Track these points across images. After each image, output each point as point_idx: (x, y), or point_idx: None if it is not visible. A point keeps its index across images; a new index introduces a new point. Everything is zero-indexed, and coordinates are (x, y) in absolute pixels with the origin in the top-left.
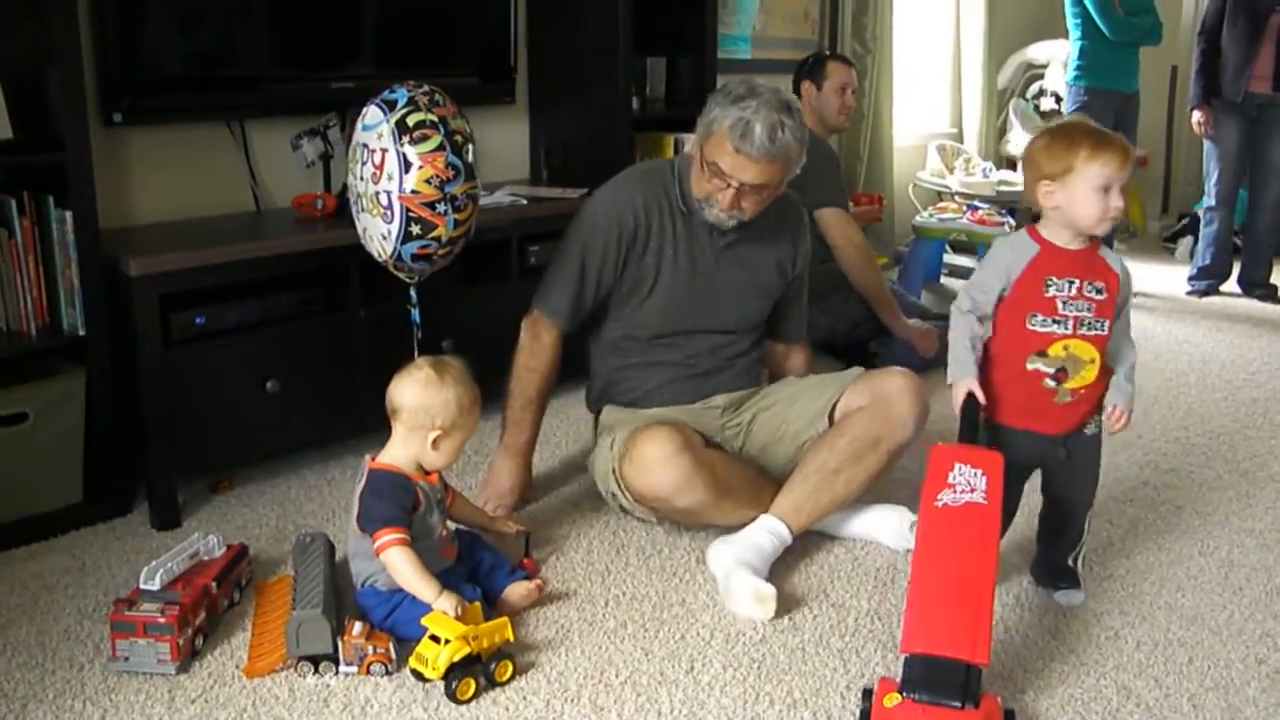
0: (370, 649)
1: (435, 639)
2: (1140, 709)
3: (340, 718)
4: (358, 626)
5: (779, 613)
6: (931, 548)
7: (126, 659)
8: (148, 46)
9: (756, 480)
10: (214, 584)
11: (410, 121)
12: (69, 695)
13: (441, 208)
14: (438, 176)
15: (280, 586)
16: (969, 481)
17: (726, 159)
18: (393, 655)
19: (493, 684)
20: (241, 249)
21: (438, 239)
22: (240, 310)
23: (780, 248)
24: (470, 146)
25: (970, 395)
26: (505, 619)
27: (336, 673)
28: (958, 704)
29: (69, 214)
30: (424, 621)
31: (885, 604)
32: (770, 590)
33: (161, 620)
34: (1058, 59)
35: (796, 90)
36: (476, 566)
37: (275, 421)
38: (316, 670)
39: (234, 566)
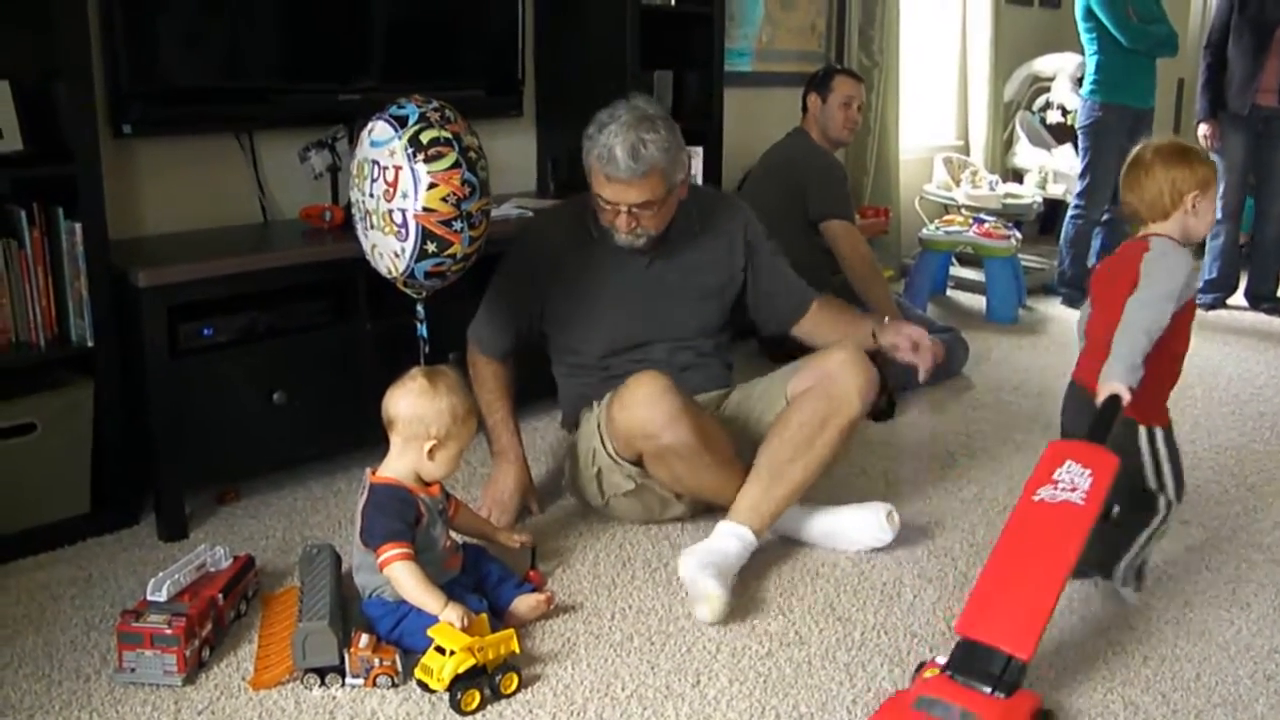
0: (377, 661)
1: (441, 650)
2: None
3: None
4: (364, 639)
5: (784, 626)
6: (1014, 539)
7: (133, 670)
8: (157, 59)
9: (733, 449)
10: (221, 595)
11: (424, 139)
12: (75, 707)
13: (458, 225)
14: (454, 194)
15: (286, 598)
16: (1073, 480)
17: (604, 189)
18: (399, 667)
19: (498, 696)
20: (249, 261)
21: (453, 256)
22: (248, 322)
23: (716, 246)
24: (483, 162)
25: (1116, 399)
26: (511, 631)
27: (343, 685)
28: (987, 690)
29: (78, 225)
30: (430, 633)
31: (891, 618)
32: (719, 594)
33: (168, 632)
34: (1064, 72)
35: (804, 104)
36: (484, 578)
37: (282, 433)
38: (323, 682)
39: (241, 578)
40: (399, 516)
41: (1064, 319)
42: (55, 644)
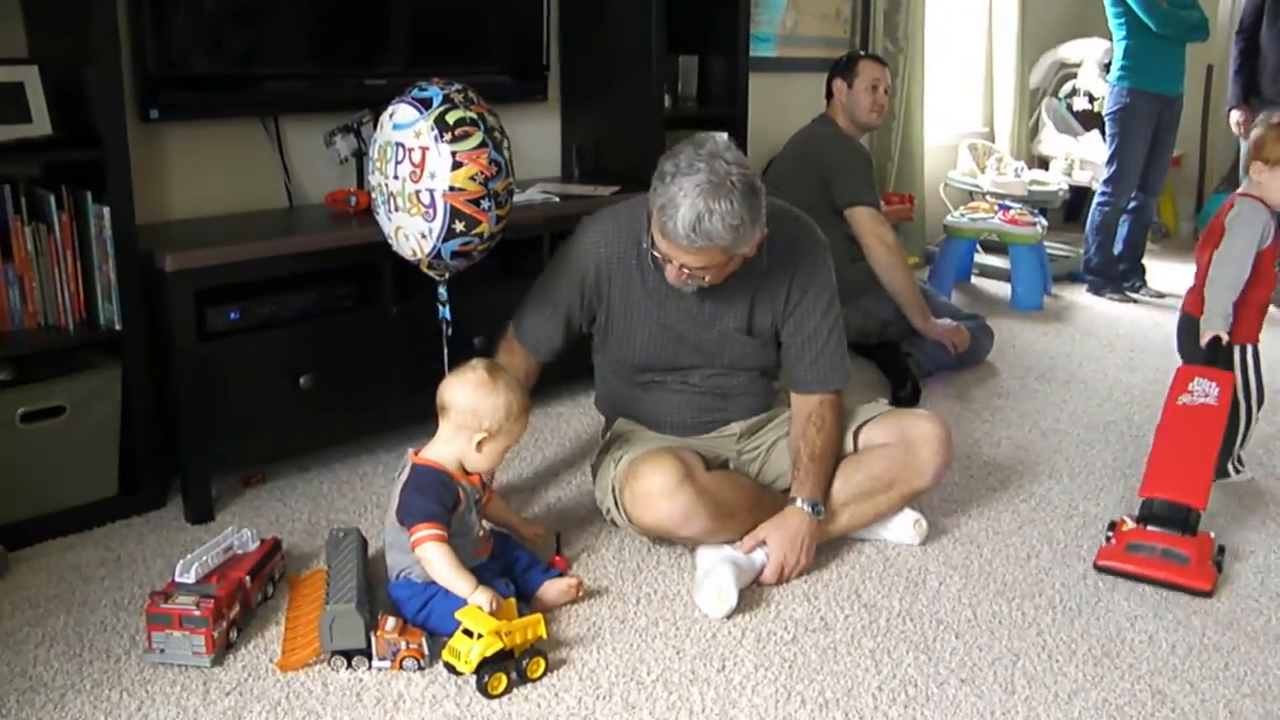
0: (403, 644)
1: (468, 633)
2: (1175, 714)
3: (373, 712)
4: (391, 622)
5: (809, 613)
6: (1170, 428)
7: (162, 651)
8: (184, 45)
9: (759, 499)
10: (248, 578)
11: (450, 119)
12: (106, 686)
13: (485, 204)
14: (482, 173)
15: (313, 581)
16: (1205, 390)
17: (661, 240)
18: (425, 650)
19: (524, 680)
20: (275, 245)
21: (480, 235)
22: (274, 306)
23: (778, 284)
24: (507, 142)
25: (1217, 339)
26: (539, 616)
27: (369, 667)
28: (1179, 533)
29: (106, 209)
30: (458, 615)
31: (917, 605)
32: (733, 594)
33: (197, 613)
34: (1091, 58)
35: (829, 90)
36: (513, 563)
37: (308, 417)
38: (349, 665)
39: (268, 560)
40: (437, 499)
41: (1090, 307)
42: (85, 624)
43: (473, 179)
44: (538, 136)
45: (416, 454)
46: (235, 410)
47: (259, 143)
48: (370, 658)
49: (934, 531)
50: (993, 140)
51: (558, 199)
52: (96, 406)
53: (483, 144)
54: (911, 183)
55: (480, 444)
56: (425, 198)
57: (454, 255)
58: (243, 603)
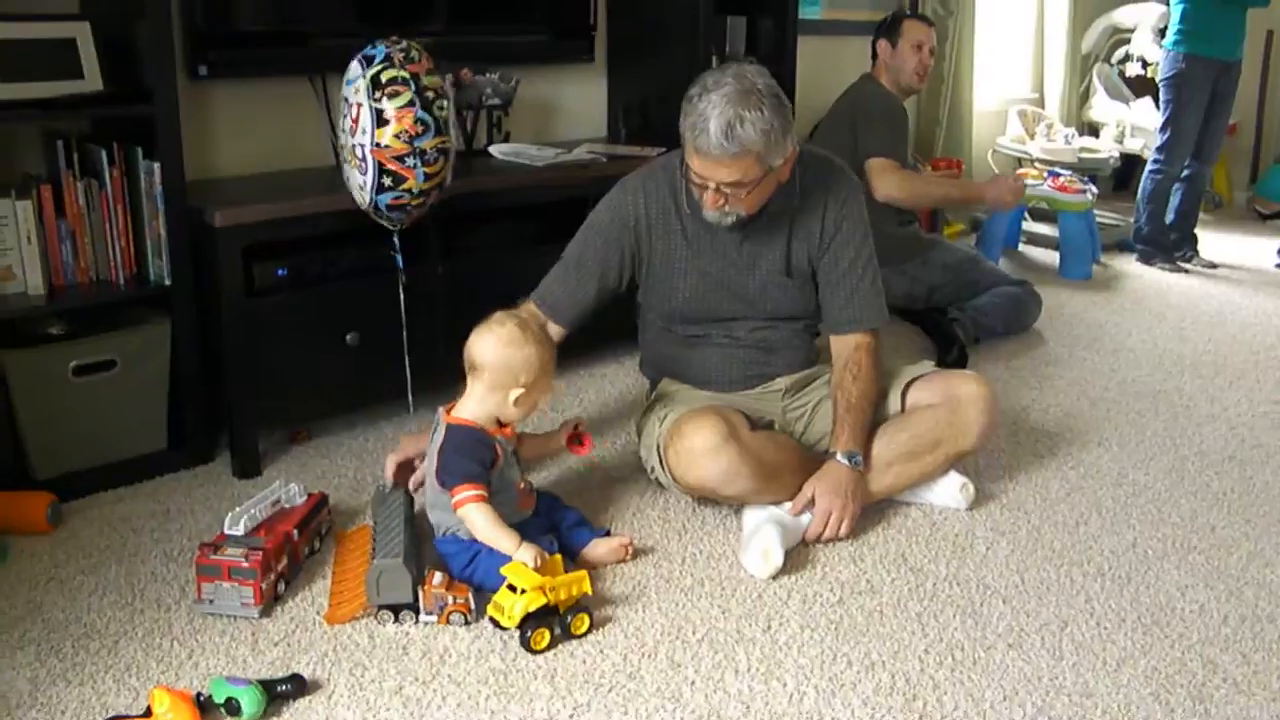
0: (450, 599)
1: (513, 588)
2: (1227, 684)
3: (419, 665)
4: (438, 576)
5: (855, 575)
6: None
7: (211, 601)
8: (233, 2)
9: (804, 461)
10: (295, 531)
11: (384, 78)
12: (158, 634)
13: (411, 161)
14: (407, 132)
15: (360, 536)
16: None
17: (695, 161)
18: (472, 605)
19: (569, 636)
20: (322, 202)
21: (409, 190)
22: (321, 263)
23: (811, 223)
24: (444, 102)
25: None
26: (584, 573)
27: (417, 621)
28: None
29: (156, 165)
30: (503, 570)
31: (964, 570)
32: (779, 554)
33: (245, 565)
34: (1145, 23)
35: (874, 50)
36: (560, 521)
37: (354, 374)
38: (396, 619)
39: (315, 515)
40: (476, 458)
41: (1139, 276)
42: (137, 574)
43: (397, 136)
44: (584, 97)
45: (449, 413)
46: (282, 366)
47: (306, 100)
48: (418, 612)
49: (981, 497)
50: (1042, 106)
51: (605, 159)
52: (146, 361)
53: (410, 103)
54: (960, 148)
55: (518, 399)
56: (359, 152)
57: (389, 208)
58: (290, 556)
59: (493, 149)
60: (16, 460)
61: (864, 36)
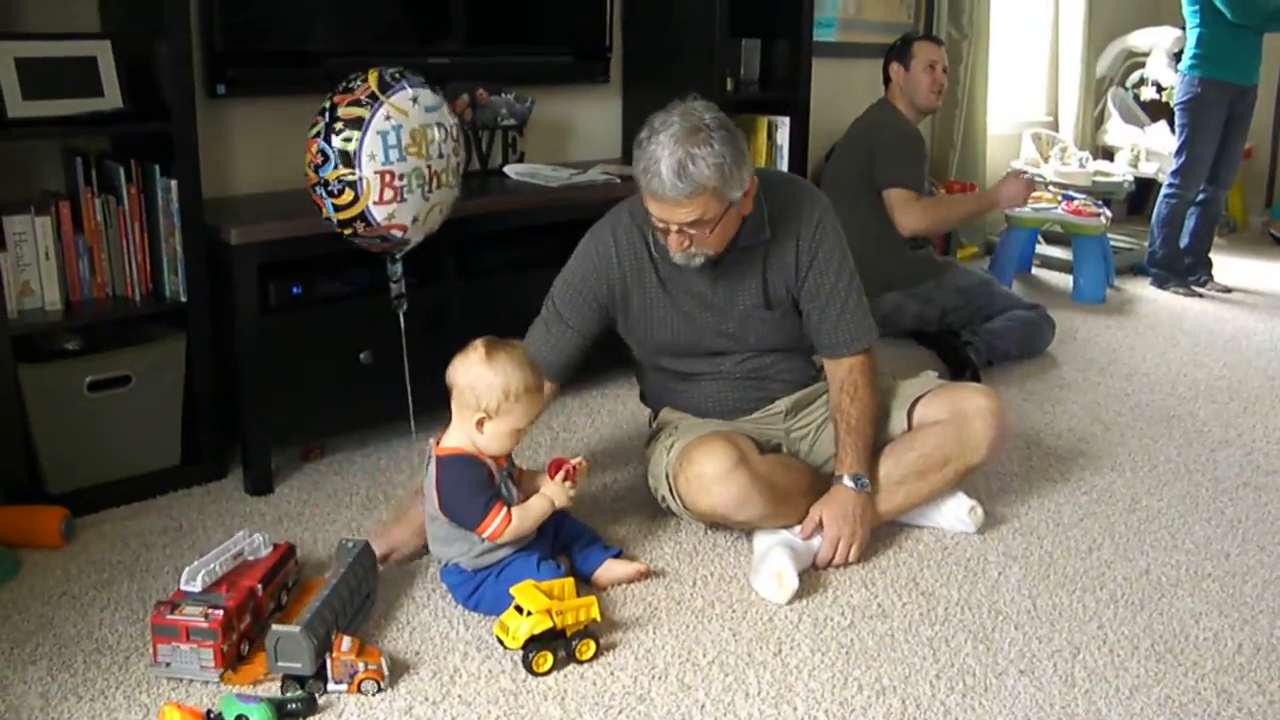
0: (361, 665)
1: (520, 610)
2: (1241, 713)
3: (430, 685)
4: (346, 642)
5: (866, 599)
6: None
7: (168, 664)
8: (251, 22)
9: (814, 484)
10: (260, 586)
11: (323, 105)
12: None
13: (319, 191)
14: (312, 161)
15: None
16: None
17: (652, 205)
18: (385, 672)
19: (573, 660)
20: None
21: (329, 220)
22: (336, 281)
23: (785, 253)
24: (355, 135)
25: None
26: (593, 598)
27: (324, 692)
28: None
29: (174, 182)
30: (511, 591)
31: (975, 594)
32: (793, 578)
33: (205, 625)
34: (1160, 47)
35: (886, 75)
36: (572, 541)
37: (368, 392)
38: (302, 687)
39: (281, 567)
40: (475, 488)
41: (1153, 300)
42: (149, 590)
43: (308, 165)
44: (599, 118)
45: (438, 444)
46: (296, 384)
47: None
48: (325, 681)
49: (993, 521)
50: (1057, 130)
51: (619, 180)
52: (161, 377)
53: (317, 133)
54: (974, 171)
55: (480, 424)
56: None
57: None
58: (254, 613)
59: (508, 169)
60: (30, 474)
61: (878, 59)
